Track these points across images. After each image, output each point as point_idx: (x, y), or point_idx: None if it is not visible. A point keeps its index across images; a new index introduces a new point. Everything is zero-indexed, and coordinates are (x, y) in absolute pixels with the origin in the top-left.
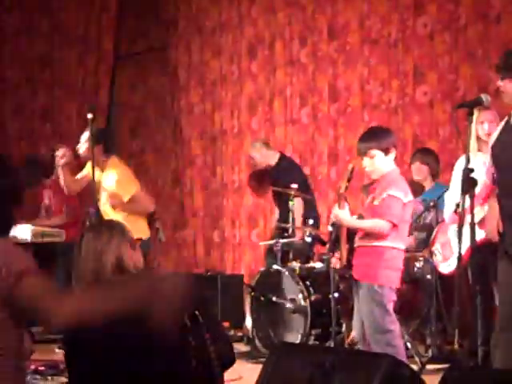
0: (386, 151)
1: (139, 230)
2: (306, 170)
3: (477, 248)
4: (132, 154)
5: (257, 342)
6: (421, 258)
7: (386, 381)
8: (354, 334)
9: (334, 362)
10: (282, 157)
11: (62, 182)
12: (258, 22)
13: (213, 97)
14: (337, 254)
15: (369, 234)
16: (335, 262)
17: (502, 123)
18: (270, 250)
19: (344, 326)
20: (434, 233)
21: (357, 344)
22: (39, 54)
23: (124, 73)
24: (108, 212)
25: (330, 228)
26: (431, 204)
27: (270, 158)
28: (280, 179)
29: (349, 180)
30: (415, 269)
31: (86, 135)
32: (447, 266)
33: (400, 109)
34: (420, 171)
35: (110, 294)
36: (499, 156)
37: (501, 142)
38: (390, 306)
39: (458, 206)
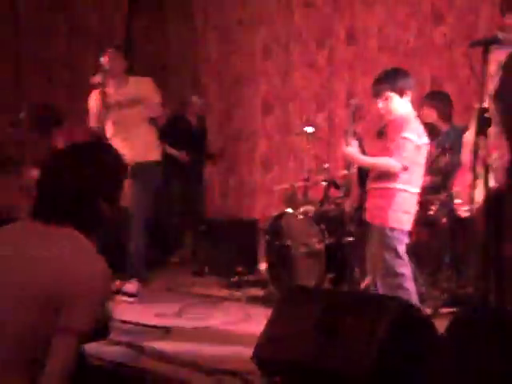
0: (401, 93)
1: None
2: (324, 114)
3: (492, 192)
4: None
5: (271, 286)
6: (437, 202)
7: (395, 322)
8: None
9: (343, 305)
10: None
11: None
12: None
13: (230, 41)
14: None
15: (380, 176)
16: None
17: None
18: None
19: (357, 270)
20: (453, 175)
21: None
22: (56, 3)
23: (140, 18)
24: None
25: (344, 172)
26: (446, 147)
27: None
28: None
29: (353, 115)
30: (431, 212)
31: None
32: (465, 209)
33: (418, 51)
34: (428, 116)
35: None
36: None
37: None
38: (401, 249)
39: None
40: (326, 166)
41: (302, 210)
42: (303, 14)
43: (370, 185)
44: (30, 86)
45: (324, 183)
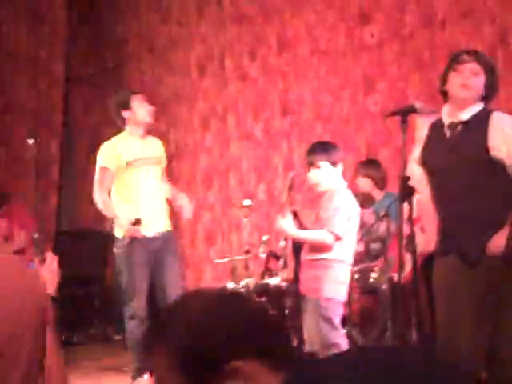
0: (334, 163)
1: None
2: (263, 185)
3: (423, 257)
4: (91, 176)
5: None
6: (376, 269)
7: None
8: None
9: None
10: None
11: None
12: (207, 38)
13: (167, 115)
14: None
15: (314, 247)
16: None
17: (427, 129)
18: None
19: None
20: (388, 242)
21: None
22: None
23: (78, 94)
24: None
25: (281, 244)
26: (382, 214)
27: None
28: None
29: (290, 189)
30: (371, 280)
31: None
32: (396, 275)
33: (352, 118)
34: (365, 185)
35: None
36: (433, 162)
37: (435, 147)
38: (336, 320)
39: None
40: (266, 237)
41: (243, 283)
42: (238, 87)
43: (305, 256)
44: None
45: (263, 255)
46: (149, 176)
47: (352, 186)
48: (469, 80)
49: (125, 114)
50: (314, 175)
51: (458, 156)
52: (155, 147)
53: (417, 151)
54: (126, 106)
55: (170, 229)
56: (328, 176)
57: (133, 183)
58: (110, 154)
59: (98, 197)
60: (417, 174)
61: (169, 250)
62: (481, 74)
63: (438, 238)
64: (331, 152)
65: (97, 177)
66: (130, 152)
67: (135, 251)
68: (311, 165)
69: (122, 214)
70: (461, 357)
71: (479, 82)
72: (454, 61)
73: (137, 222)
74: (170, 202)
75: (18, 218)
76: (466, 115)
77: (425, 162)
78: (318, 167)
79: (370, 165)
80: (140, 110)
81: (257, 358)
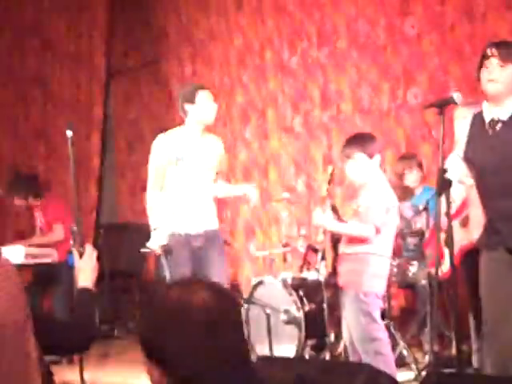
0: (371, 155)
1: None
2: (302, 179)
3: (465, 251)
4: (130, 168)
5: (252, 355)
6: (414, 263)
7: None
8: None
9: (312, 375)
10: None
11: None
12: (246, 31)
13: None
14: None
15: (352, 241)
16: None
17: (469, 121)
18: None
19: (332, 335)
20: (426, 236)
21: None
22: (31, 72)
23: (118, 87)
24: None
25: (321, 237)
26: (421, 208)
27: None
28: None
29: (329, 182)
30: (410, 274)
31: None
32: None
33: (392, 112)
34: (417, 178)
35: None
36: (475, 159)
37: (478, 144)
38: (376, 314)
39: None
40: (304, 230)
41: (280, 276)
42: (277, 80)
43: (343, 249)
44: (3, 158)
45: (302, 248)
46: (199, 175)
47: (390, 179)
48: (493, 74)
49: (188, 107)
50: (349, 168)
51: (499, 155)
52: (213, 147)
53: (459, 143)
54: (191, 99)
55: (216, 227)
56: (364, 168)
57: (182, 179)
58: (162, 149)
59: (150, 201)
60: (460, 166)
61: (214, 248)
62: (507, 65)
63: (483, 232)
64: (367, 144)
65: (150, 174)
66: (183, 148)
67: (175, 249)
68: (347, 157)
69: (164, 222)
70: (508, 349)
71: (506, 73)
72: (483, 56)
73: (164, 248)
74: (219, 201)
75: (54, 211)
76: (504, 113)
77: (468, 159)
78: (356, 159)
79: (417, 158)
80: (204, 107)
81: (147, 356)
